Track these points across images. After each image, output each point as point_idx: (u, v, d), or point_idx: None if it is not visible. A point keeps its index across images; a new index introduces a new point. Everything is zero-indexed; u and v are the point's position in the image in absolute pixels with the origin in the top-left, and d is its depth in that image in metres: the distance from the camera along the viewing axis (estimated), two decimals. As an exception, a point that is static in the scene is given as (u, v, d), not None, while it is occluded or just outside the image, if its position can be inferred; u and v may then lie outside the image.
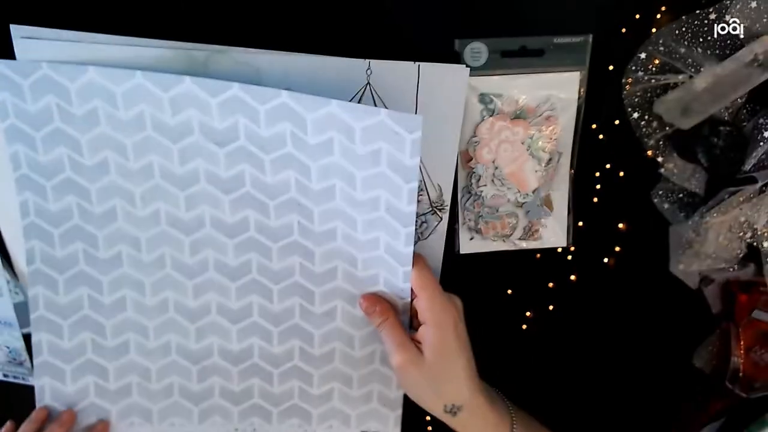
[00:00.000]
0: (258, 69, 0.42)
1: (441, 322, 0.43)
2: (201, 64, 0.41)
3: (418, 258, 0.44)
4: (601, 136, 0.49)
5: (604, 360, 0.56)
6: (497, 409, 0.45)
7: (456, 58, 0.45)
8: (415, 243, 0.45)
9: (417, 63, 0.42)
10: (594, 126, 0.48)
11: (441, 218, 0.47)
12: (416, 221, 0.45)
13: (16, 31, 0.42)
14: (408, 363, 0.43)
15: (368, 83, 0.42)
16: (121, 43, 0.41)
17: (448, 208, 0.47)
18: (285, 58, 0.41)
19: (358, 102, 0.43)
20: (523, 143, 0.47)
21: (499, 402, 0.46)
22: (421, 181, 0.45)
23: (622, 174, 0.50)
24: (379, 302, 0.45)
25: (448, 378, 0.43)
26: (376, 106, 0.42)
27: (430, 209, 0.46)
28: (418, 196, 0.45)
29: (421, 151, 0.41)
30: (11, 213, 0.49)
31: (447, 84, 0.43)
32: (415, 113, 0.42)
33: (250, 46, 0.42)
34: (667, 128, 0.47)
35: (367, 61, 0.42)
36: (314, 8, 0.44)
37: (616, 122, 0.48)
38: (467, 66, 0.44)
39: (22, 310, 0.55)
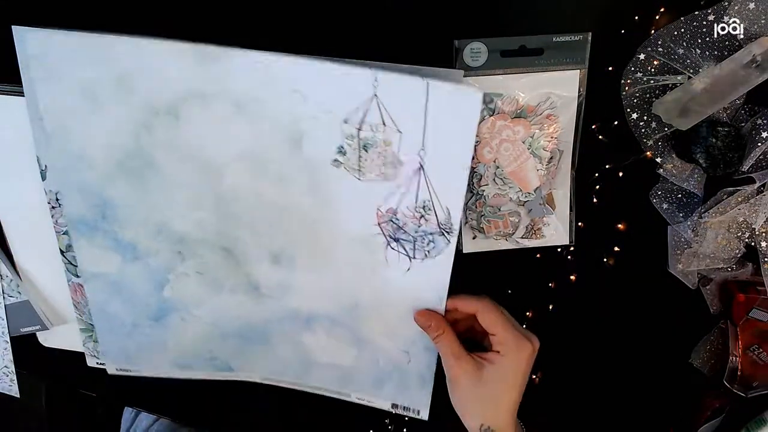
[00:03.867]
0: (267, 67, 0.41)
1: (515, 353, 0.45)
2: (212, 58, 0.41)
3: (484, 297, 0.47)
4: (600, 137, 0.49)
5: (603, 359, 0.56)
6: None
7: (454, 60, 0.45)
8: (422, 260, 0.46)
9: (426, 80, 0.40)
10: (594, 126, 0.49)
11: (449, 241, 0.46)
12: (424, 239, 0.46)
13: (19, 32, 0.41)
14: (463, 374, 0.46)
15: (375, 95, 0.41)
16: (128, 41, 0.41)
17: (456, 232, 0.45)
18: (295, 61, 0.41)
19: (363, 114, 0.42)
20: (524, 142, 0.47)
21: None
22: (429, 201, 0.45)
23: (621, 174, 0.50)
24: (434, 317, 0.48)
25: (496, 404, 0.46)
26: (382, 118, 0.42)
27: (438, 230, 0.46)
28: (426, 214, 0.45)
29: (430, 171, 0.42)
30: (14, 212, 0.49)
31: (459, 106, 0.41)
32: (423, 131, 0.42)
33: (247, 47, 0.41)
34: (666, 129, 0.47)
35: (374, 72, 0.40)
36: (315, 7, 0.44)
37: (616, 123, 0.48)
38: (467, 67, 0.44)
39: (20, 310, 0.54)
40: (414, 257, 0.47)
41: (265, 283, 0.50)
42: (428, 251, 0.47)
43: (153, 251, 0.49)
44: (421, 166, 0.43)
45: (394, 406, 0.55)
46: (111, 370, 0.56)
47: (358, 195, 0.45)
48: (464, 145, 0.42)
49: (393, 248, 0.47)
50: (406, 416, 0.57)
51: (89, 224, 0.48)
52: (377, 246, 0.47)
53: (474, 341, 0.50)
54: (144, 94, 0.43)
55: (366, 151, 0.43)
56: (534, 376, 0.57)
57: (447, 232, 0.45)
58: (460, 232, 0.50)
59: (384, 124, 0.42)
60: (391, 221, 0.46)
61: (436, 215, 0.45)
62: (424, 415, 0.54)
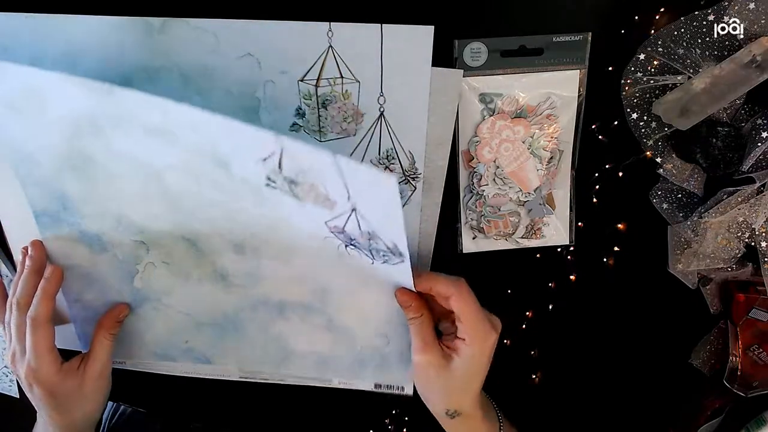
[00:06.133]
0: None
1: (481, 342, 0.44)
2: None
3: (460, 281, 0.44)
4: (600, 137, 0.49)
5: (603, 359, 0.56)
6: (489, 418, 0.48)
7: (454, 60, 0.45)
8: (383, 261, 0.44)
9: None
10: (593, 126, 0.49)
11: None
12: (378, 251, 0.44)
13: None
14: (429, 364, 0.45)
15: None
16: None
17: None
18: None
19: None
20: (524, 142, 0.47)
21: (492, 412, 0.49)
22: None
23: (621, 174, 0.50)
24: (416, 299, 0.46)
25: (462, 389, 0.46)
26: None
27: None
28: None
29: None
30: (13, 211, 0.49)
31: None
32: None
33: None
34: (666, 129, 0.47)
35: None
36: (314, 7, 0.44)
37: (616, 123, 0.48)
38: (467, 67, 0.44)
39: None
40: (374, 258, 0.44)
41: (232, 272, 0.49)
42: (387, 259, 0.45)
43: (117, 242, 0.48)
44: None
45: (377, 386, 0.54)
46: None
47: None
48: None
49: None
50: (405, 417, 0.57)
51: (52, 216, 0.47)
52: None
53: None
54: (89, 75, 0.40)
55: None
56: (534, 376, 0.57)
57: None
58: (460, 232, 0.50)
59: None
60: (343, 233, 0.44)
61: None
62: (409, 390, 0.53)
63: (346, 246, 0.44)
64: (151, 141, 0.40)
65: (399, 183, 0.45)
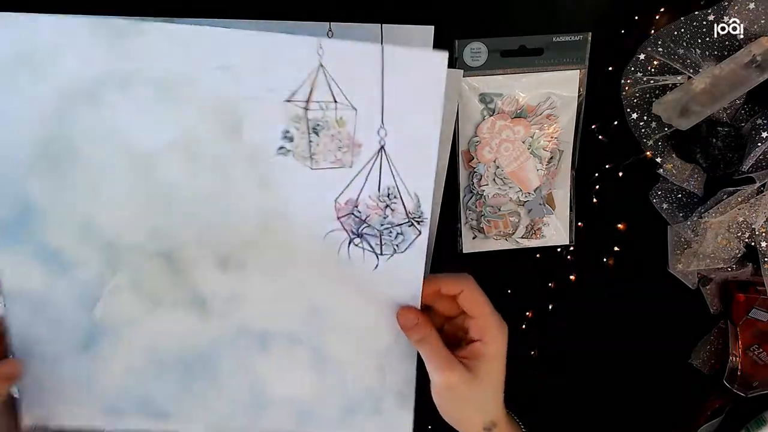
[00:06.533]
0: (190, 42, 0.36)
1: (499, 336, 0.41)
2: (123, 35, 0.36)
3: (467, 276, 0.42)
4: (600, 137, 0.49)
5: (603, 359, 0.56)
6: (514, 424, 0.46)
7: (454, 60, 0.45)
8: (390, 256, 0.42)
9: (379, 45, 0.36)
10: (593, 126, 0.49)
11: (420, 232, 0.41)
12: (391, 232, 0.41)
13: None
14: (459, 381, 0.41)
15: (320, 65, 0.36)
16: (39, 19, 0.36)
17: (428, 221, 0.40)
18: (222, 32, 0.36)
19: (310, 91, 0.36)
20: (524, 142, 0.47)
21: (510, 416, 0.47)
22: (394, 187, 0.40)
23: (621, 174, 0.50)
24: (421, 315, 0.42)
25: (495, 395, 0.43)
26: (332, 94, 0.37)
27: (406, 221, 0.41)
28: (392, 203, 0.40)
29: (392, 152, 0.37)
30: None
31: (421, 72, 0.36)
32: (382, 106, 0.37)
33: (167, 16, 0.37)
34: (666, 129, 0.47)
35: (319, 39, 0.35)
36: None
37: (616, 123, 0.48)
38: (467, 67, 0.44)
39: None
40: (381, 253, 0.41)
41: (212, 295, 0.43)
42: (397, 245, 0.41)
43: (81, 261, 0.41)
44: (382, 147, 0.38)
45: None
46: (27, 421, 0.44)
47: (312, 187, 0.39)
48: (430, 119, 0.37)
49: (356, 245, 0.41)
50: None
51: (7, 228, 0.40)
52: (338, 243, 0.41)
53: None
54: (59, 77, 0.37)
55: (317, 134, 0.38)
56: (532, 352, 0.56)
57: (417, 221, 0.40)
58: (460, 232, 0.50)
59: (335, 100, 0.37)
60: (353, 215, 0.40)
61: (403, 203, 0.40)
62: None
63: (350, 242, 0.41)
64: (159, 106, 0.37)
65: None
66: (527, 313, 0.55)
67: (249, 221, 0.41)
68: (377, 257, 0.41)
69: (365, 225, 0.40)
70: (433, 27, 0.41)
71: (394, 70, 0.35)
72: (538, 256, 0.52)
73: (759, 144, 0.45)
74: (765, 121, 0.46)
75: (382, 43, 0.36)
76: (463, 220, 0.49)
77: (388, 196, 0.40)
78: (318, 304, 0.43)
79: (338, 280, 0.42)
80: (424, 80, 0.36)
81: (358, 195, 0.40)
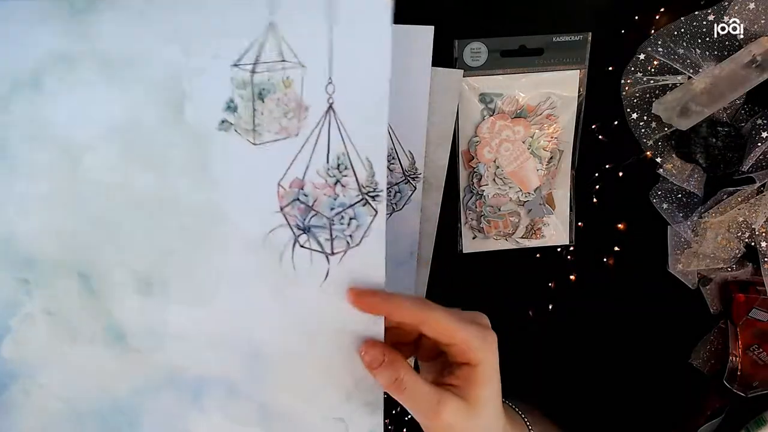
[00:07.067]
0: (142, 12, 0.33)
1: (483, 351, 0.35)
2: (79, 9, 0.33)
3: (425, 303, 0.35)
4: (600, 137, 0.49)
5: (603, 359, 0.56)
6: (516, 425, 0.42)
7: (454, 60, 0.45)
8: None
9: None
10: (593, 126, 0.49)
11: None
12: (343, 218, 0.36)
13: None
14: (456, 418, 0.34)
15: (271, 23, 0.34)
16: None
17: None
18: (175, 1, 0.34)
19: (258, 52, 0.34)
20: (524, 142, 0.47)
21: (511, 413, 0.44)
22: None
23: (621, 174, 0.50)
24: (389, 351, 0.35)
25: (495, 415, 0.37)
26: (281, 51, 0.34)
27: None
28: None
29: (341, 112, 0.34)
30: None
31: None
32: (330, 58, 0.34)
33: None
34: (666, 129, 0.47)
35: None
36: None
37: (616, 123, 0.48)
38: (467, 67, 0.44)
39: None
40: (332, 252, 0.36)
41: (132, 326, 0.37)
42: (350, 236, 0.36)
43: None
44: (331, 106, 0.35)
45: None
46: None
47: (253, 168, 0.35)
48: (380, 68, 0.34)
49: (302, 245, 0.36)
50: (406, 417, 0.57)
51: None
52: (281, 247, 0.36)
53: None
54: (2, 60, 0.34)
55: (262, 100, 0.35)
56: (531, 352, 0.56)
57: (372, 196, 0.35)
58: (460, 232, 0.50)
59: (283, 59, 0.34)
60: (298, 200, 0.36)
61: (355, 174, 0.35)
62: None
63: (294, 243, 0.36)
64: (103, 90, 0.34)
65: (398, 183, 0.42)
66: (527, 313, 0.55)
67: (178, 226, 0.36)
68: (327, 259, 0.36)
69: (313, 213, 0.36)
70: (432, 27, 0.41)
71: (343, 20, 0.33)
72: (538, 256, 0.52)
73: (759, 144, 0.45)
74: (765, 121, 0.46)
75: (329, 4, 0.33)
76: (463, 220, 0.49)
77: (338, 168, 0.35)
78: (258, 341, 0.37)
79: (281, 305, 0.37)
80: (371, 25, 0.33)
81: (305, 172, 0.35)
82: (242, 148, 0.35)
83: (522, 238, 0.50)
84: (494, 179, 0.48)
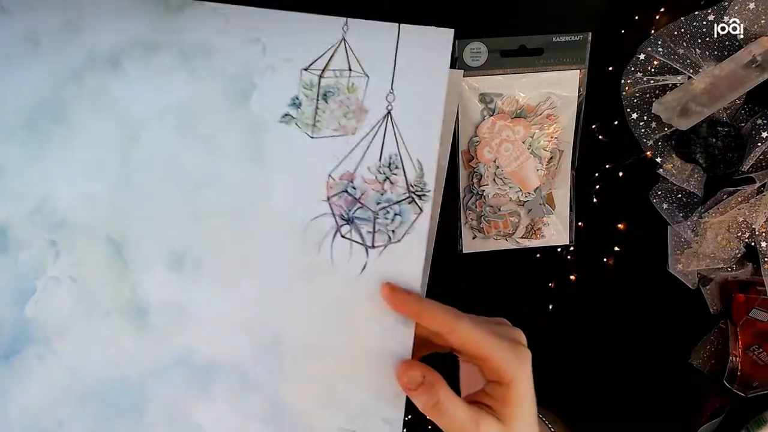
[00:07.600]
0: (228, 16, 0.37)
1: (519, 379, 0.33)
2: (173, 8, 0.37)
3: (457, 314, 0.33)
4: (600, 137, 0.49)
5: (603, 359, 0.56)
6: None
7: (454, 60, 0.45)
8: (384, 247, 0.36)
9: (397, 24, 0.38)
10: (593, 126, 0.49)
11: (421, 210, 0.36)
12: (388, 213, 0.36)
13: None
14: None
15: (343, 39, 0.37)
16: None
17: (430, 199, 0.36)
18: (259, 10, 0.38)
19: (328, 60, 0.38)
20: (524, 142, 0.47)
21: (541, 425, 0.42)
22: (396, 155, 0.37)
23: (621, 174, 0.50)
24: (426, 371, 0.33)
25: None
26: (348, 63, 0.37)
27: (407, 195, 0.36)
28: (393, 174, 0.37)
29: (398, 118, 0.37)
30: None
31: (430, 45, 0.37)
32: (393, 73, 0.37)
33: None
34: (666, 129, 0.47)
35: (344, 18, 0.37)
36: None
37: (616, 123, 0.48)
38: (467, 67, 0.44)
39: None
40: (373, 245, 0.36)
41: (156, 301, 0.37)
42: (393, 231, 0.36)
43: (25, 240, 0.37)
44: (389, 112, 0.37)
45: None
46: None
47: (307, 158, 0.36)
48: (436, 89, 0.37)
49: (344, 236, 0.36)
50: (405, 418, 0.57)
51: None
52: (322, 235, 0.36)
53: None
54: (87, 39, 0.37)
55: (326, 101, 0.37)
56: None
57: (419, 195, 0.36)
58: (460, 232, 0.50)
59: (350, 69, 0.37)
60: (346, 192, 0.36)
61: (404, 173, 0.36)
62: None
63: (336, 232, 0.36)
64: (179, 70, 0.37)
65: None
66: (527, 313, 0.55)
67: (220, 204, 0.37)
68: (367, 252, 0.36)
69: (358, 206, 0.36)
70: (453, 30, 0.40)
71: (407, 42, 0.37)
72: (538, 256, 0.52)
73: (759, 144, 0.45)
74: (765, 121, 0.46)
75: (398, 38, 0.37)
76: (463, 220, 0.49)
77: (389, 166, 0.37)
78: (280, 330, 0.36)
79: (310, 294, 0.36)
80: (432, 52, 0.37)
81: (356, 167, 0.37)
82: (299, 139, 0.37)
83: (522, 238, 0.50)
84: (494, 179, 0.48)
